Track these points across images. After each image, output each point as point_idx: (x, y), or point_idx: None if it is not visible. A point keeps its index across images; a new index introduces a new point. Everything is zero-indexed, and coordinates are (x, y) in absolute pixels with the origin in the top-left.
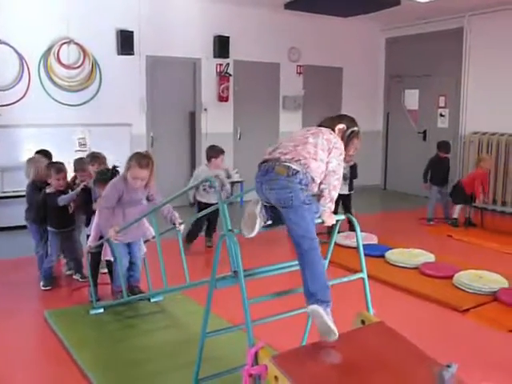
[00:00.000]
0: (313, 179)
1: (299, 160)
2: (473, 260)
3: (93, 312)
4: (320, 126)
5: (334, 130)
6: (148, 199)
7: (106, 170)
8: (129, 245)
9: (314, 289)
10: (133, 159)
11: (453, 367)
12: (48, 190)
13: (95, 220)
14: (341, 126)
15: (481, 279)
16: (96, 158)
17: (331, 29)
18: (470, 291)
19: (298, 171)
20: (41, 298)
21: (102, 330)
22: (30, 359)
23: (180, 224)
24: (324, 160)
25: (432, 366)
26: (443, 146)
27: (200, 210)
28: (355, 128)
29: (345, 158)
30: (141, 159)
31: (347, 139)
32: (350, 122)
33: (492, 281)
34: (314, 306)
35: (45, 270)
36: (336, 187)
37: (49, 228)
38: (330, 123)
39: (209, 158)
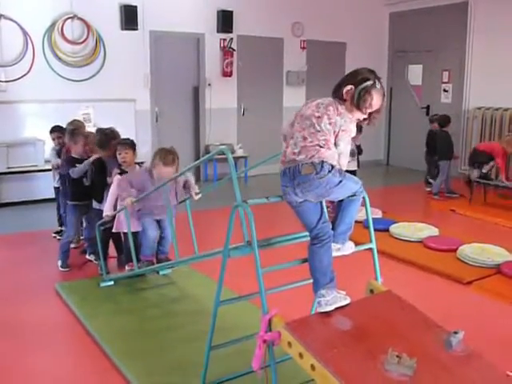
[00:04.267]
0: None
1: (313, 156)
2: (476, 234)
3: (103, 285)
4: (333, 91)
5: (342, 96)
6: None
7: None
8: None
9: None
10: (157, 157)
11: (460, 333)
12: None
13: (111, 189)
14: (348, 87)
15: (484, 252)
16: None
17: (335, 3)
18: (474, 264)
19: (322, 163)
20: (50, 271)
21: (113, 302)
22: (43, 332)
23: (196, 194)
24: (333, 143)
25: (439, 332)
26: (444, 121)
27: None
28: (366, 83)
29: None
30: (165, 157)
31: (357, 101)
32: (361, 77)
33: (495, 254)
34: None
35: (61, 246)
36: (344, 165)
37: (67, 201)
38: (338, 89)
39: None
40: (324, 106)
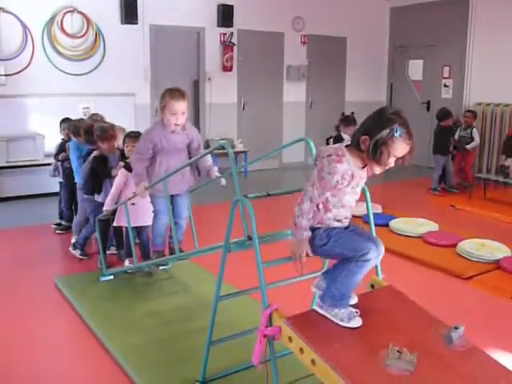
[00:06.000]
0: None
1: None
2: (476, 229)
3: (103, 279)
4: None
5: (360, 145)
6: (190, 152)
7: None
8: (173, 201)
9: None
10: (166, 95)
11: (460, 328)
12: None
13: (115, 183)
14: (364, 137)
15: (484, 248)
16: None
17: None
18: (473, 259)
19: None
20: (48, 266)
21: (113, 296)
22: (43, 326)
23: (217, 177)
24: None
25: (440, 328)
26: (441, 116)
27: None
28: (381, 133)
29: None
30: (174, 92)
31: (372, 154)
32: (379, 124)
33: (495, 249)
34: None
35: (85, 238)
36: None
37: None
38: (355, 137)
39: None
40: (325, 155)
